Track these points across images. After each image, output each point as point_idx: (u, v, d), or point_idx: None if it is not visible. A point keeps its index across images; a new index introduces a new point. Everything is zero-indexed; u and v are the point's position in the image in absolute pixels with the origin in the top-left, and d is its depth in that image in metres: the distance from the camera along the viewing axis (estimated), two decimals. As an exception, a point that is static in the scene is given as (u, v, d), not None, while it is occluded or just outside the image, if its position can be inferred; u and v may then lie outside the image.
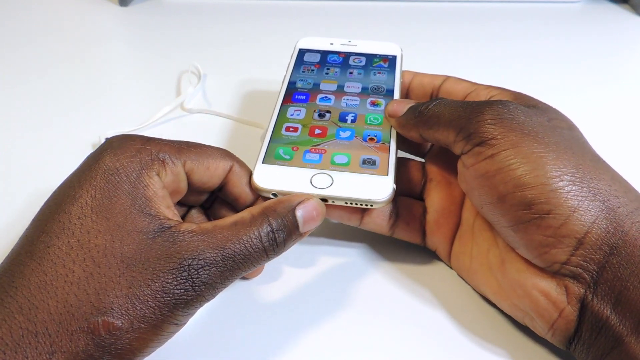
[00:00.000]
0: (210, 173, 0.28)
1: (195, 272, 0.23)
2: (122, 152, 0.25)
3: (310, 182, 0.28)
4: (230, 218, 0.25)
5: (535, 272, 0.25)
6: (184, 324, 0.24)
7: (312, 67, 0.37)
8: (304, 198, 0.26)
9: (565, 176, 0.24)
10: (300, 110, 0.33)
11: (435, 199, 0.31)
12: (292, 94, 0.35)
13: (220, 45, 0.52)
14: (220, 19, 0.56)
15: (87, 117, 0.43)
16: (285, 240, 0.25)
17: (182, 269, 0.23)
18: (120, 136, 0.26)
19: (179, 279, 0.23)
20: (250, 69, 0.49)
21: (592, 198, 0.24)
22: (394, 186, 0.28)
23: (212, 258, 0.23)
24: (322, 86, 0.35)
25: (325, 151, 0.30)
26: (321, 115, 0.33)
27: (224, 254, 0.24)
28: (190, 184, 0.27)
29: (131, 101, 0.45)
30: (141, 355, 0.23)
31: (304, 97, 0.34)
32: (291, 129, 0.32)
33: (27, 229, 0.24)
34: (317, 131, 0.32)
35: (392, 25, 0.56)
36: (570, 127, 0.28)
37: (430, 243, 0.31)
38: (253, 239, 0.24)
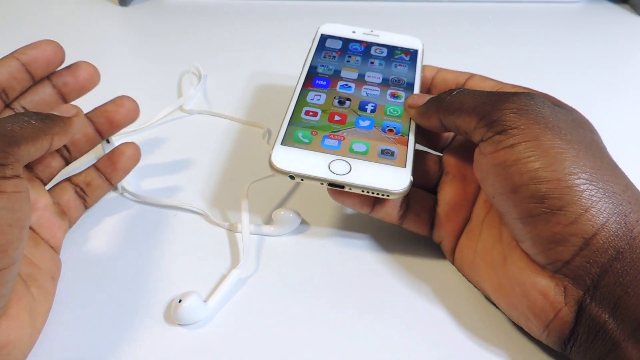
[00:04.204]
0: None
1: None
2: None
3: (329, 167, 0.29)
4: None
5: (536, 271, 0.25)
6: (18, 192, 0.23)
7: (334, 54, 0.37)
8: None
9: (582, 174, 0.24)
10: (320, 96, 0.33)
11: (449, 193, 0.31)
12: (312, 79, 0.35)
13: (221, 46, 0.52)
14: (221, 19, 0.56)
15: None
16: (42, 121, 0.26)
17: None
18: None
19: None
20: (251, 69, 0.49)
21: (606, 200, 0.24)
22: (411, 178, 0.29)
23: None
24: (343, 73, 0.35)
25: (344, 138, 0.31)
26: (341, 103, 0.33)
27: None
28: None
29: (131, 102, 0.45)
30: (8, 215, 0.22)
31: (325, 82, 0.35)
32: (311, 113, 0.32)
33: None
34: (336, 117, 0.32)
35: (391, 25, 0.56)
36: (592, 131, 0.28)
37: (436, 235, 0.31)
38: (15, 117, 0.25)
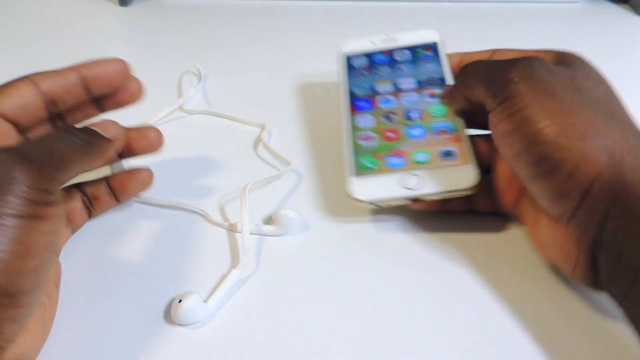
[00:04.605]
0: (18, 97, 0.27)
1: (35, 148, 0.24)
2: None
3: (403, 185, 0.31)
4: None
5: (553, 225, 0.27)
6: (58, 217, 0.24)
7: (363, 71, 0.38)
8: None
9: (575, 133, 0.25)
10: (367, 118, 0.35)
11: (502, 167, 0.32)
12: (354, 102, 0.36)
13: (221, 46, 0.52)
14: (221, 19, 0.56)
15: (87, 117, 0.43)
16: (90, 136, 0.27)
17: (17, 151, 0.23)
18: None
19: (16, 162, 0.23)
20: (251, 69, 0.49)
21: (598, 153, 0.25)
22: (479, 171, 0.30)
23: (42, 142, 0.25)
24: (379, 88, 0.37)
25: (405, 152, 0.32)
26: (388, 118, 0.34)
27: (48, 140, 0.25)
28: (15, 120, 0.27)
29: (131, 102, 0.45)
30: (47, 237, 0.23)
31: (367, 103, 0.36)
32: (366, 138, 0.34)
33: None
34: (390, 134, 0.33)
35: (391, 26, 0.56)
36: (596, 84, 0.29)
37: (502, 208, 0.32)
38: (62, 133, 0.26)
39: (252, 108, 0.44)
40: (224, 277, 0.30)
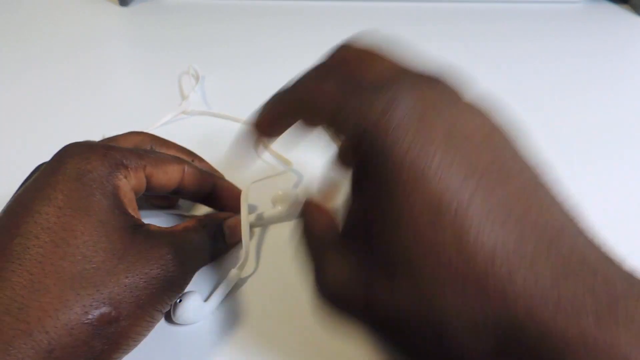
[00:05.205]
0: (168, 177, 0.29)
1: (186, 256, 0.26)
2: (90, 156, 0.25)
3: None
4: (178, 226, 0.28)
5: None
6: (164, 312, 0.26)
7: None
8: (228, 215, 0.31)
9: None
10: None
11: None
12: None
13: (220, 46, 0.52)
14: (221, 19, 0.56)
15: (84, 118, 0.43)
16: (218, 240, 0.30)
17: (176, 254, 0.25)
18: (78, 143, 0.27)
19: (172, 264, 0.25)
20: (252, 69, 0.49)
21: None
22: None
23: (193, 248, 0.27)
24: None
25: None
26: None
27: (195, 243, 0.28)
28: (150, 188, 0.29)
29: (130, 102, 0.45)
30: (133, 342, 0.24)
31: None
32: None
33: None
34: None
35: (390, 27, 0.56)
36: (379, 202, 0.17)
37: None
38: (205, 237, 0.29)
39: (252, 108, 0.44)
40: (224, 277, 0.30)
